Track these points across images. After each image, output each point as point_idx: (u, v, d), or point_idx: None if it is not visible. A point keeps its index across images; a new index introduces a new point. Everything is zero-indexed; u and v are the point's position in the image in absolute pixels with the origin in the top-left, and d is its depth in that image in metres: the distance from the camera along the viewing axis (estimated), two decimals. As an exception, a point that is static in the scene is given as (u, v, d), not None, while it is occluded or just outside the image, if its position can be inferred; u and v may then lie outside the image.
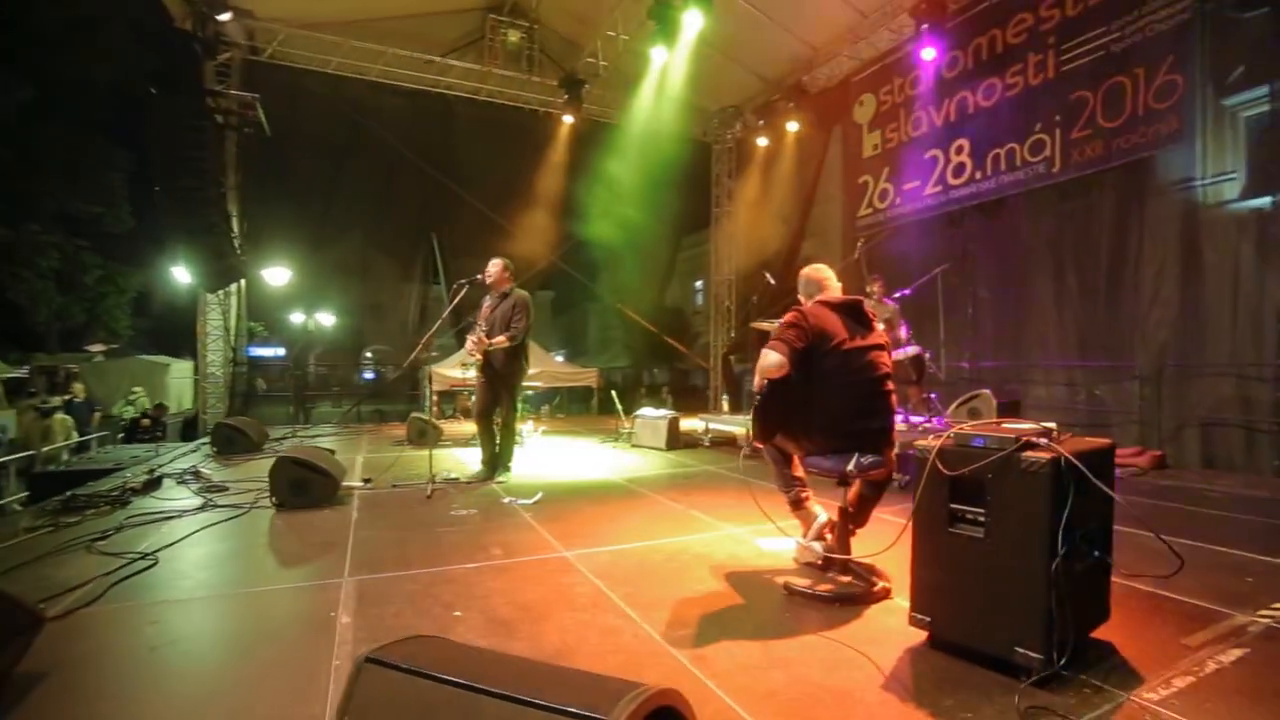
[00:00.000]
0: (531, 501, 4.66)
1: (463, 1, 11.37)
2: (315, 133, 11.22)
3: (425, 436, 7.88)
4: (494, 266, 5.64)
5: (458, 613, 2.64)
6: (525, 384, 8.80)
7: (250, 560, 3.45)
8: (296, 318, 19.11)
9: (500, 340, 5.37)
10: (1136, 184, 6.62)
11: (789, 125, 10.89)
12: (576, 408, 14.31)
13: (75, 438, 9.33)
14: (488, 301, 5.67)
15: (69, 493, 4.75)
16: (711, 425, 8.10)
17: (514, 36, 11.75)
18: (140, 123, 10.23)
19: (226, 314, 9.84)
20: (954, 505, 2.14)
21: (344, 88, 11.09)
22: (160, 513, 4.30)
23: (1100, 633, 2.26)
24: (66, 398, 10.79)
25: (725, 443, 7.83)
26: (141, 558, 3.35)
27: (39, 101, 14.62)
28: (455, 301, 5.58)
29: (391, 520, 4.20)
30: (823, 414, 2.79)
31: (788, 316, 2.85)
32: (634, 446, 7.86)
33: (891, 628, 2.41)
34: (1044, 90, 7.33)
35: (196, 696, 2.03)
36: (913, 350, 6.23)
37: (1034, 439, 2.04)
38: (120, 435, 10.27)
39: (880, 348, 2.90)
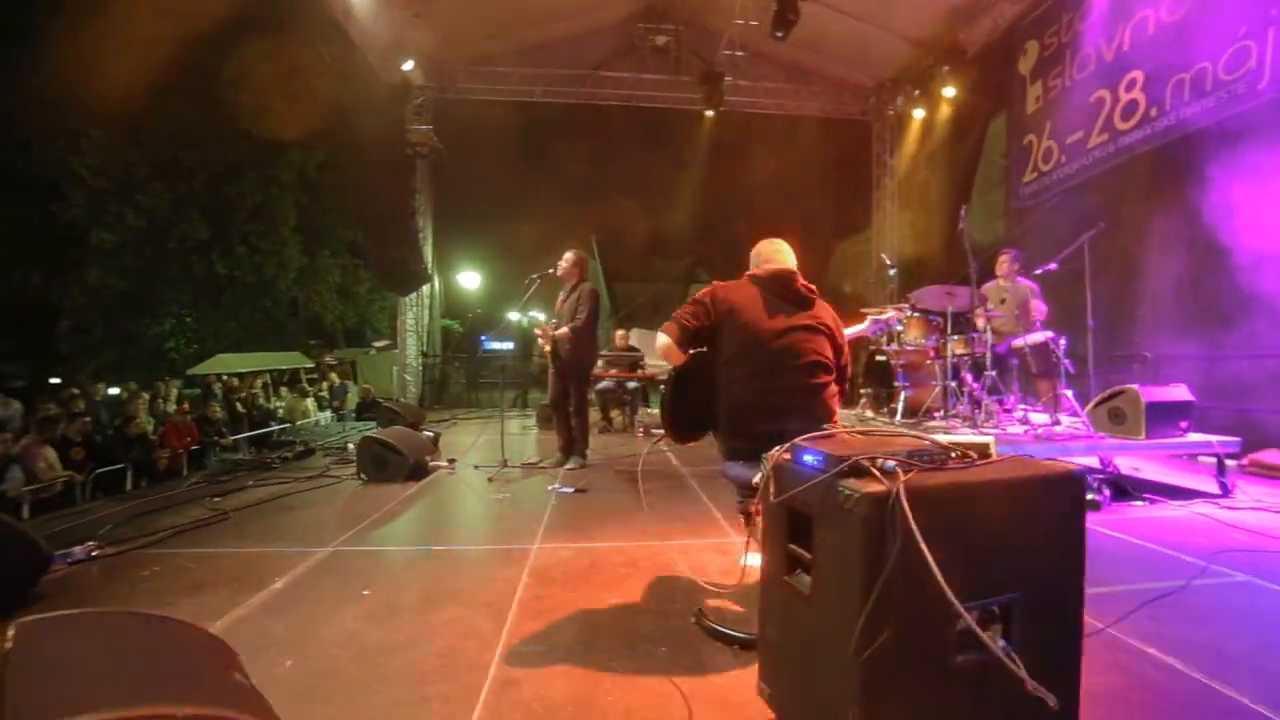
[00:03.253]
0: (570, 491, 4.49)
1: (612, 15, 11.53)
2: (492, 153, 12.26)
3: (550, 422, 8.17)
4: (565, 260, 5.54)
5: (366, 591, 2.59)
6: (646, 375, 8.67)
7: (280, 525, 3.77)
8: (513, 315, 21.39)
9: (564, 331, 5.27)
10: None
11: (945, 91, 9.20)
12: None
13: (315, 414, 11.40)
14: (560, 294, 5.60)
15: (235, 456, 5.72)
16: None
17: (661, 40, 11.61)
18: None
19: (420, 313, 11.23)
20: (791, 545, 1.49)
21: (514, 111, 11.94)
22: (281, 478, 4.97)
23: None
24: (325, 383, 13.23)
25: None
26: (220, 515, 3.86)
27: (326, 161, 17.75)
28: (529, 295, 5.60)
29: (435, 498, 4.35)
30: (728, 408, 2.20)
31: (699, 293, 2.30)
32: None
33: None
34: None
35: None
36: (1036, 337, 4.78)
37: (876, 459, 1.31)
38: (353, 414, 12.32)
39: (813, 330, 2.19)
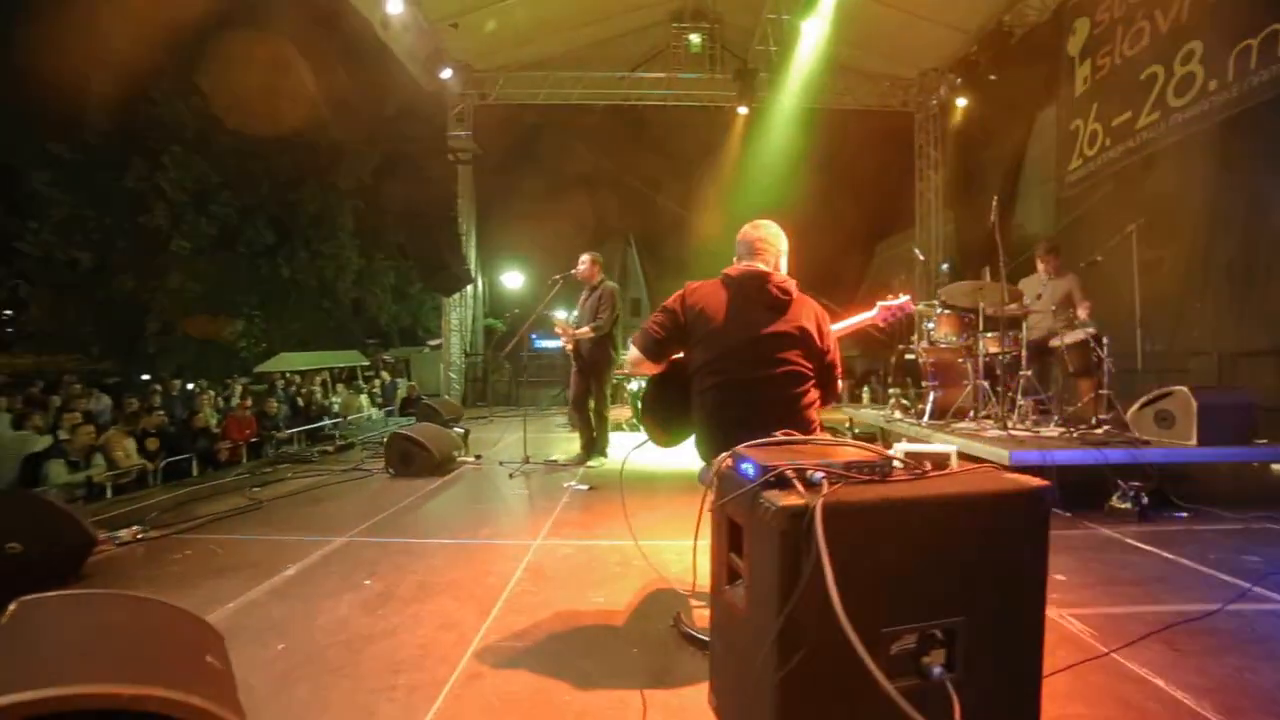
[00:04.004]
0: (585, 489, 4.51)
1: (648, 17, 11.48)
2: (532, 156, 12.47)
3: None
4: (583, 262, 5.56)
5: (367, 580, 2.67)
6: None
7: (306, 515, 3.92)
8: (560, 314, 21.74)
9: (585, 331, 5.29)
10: None
11: (990, 78, 8.72)
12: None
13: (367, 410, 11.86)
14: (582, 294, 5.62)
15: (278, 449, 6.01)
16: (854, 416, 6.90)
17: (696, 39, 11.49)
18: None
19: (463, 313, 11.52)
20: (731, 554, 1.44)
21: (551, 114, 12.07)
22: (318, 471, 5.19)
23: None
24: (377, 380, 13.74)
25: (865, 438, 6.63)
26: (255, 505, 4.07)
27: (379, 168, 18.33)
28: (551, 295, 5.64)
29: (455, 492, 4.45)
30: (699, 417, 2.12)
31: (671, 298, 2.22)
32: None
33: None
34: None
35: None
36: (1074, 335, 4.46)
37: (805, 470, 1.24)
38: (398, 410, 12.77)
39: (787, 335, 2.04)
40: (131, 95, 16.41)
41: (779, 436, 1.55)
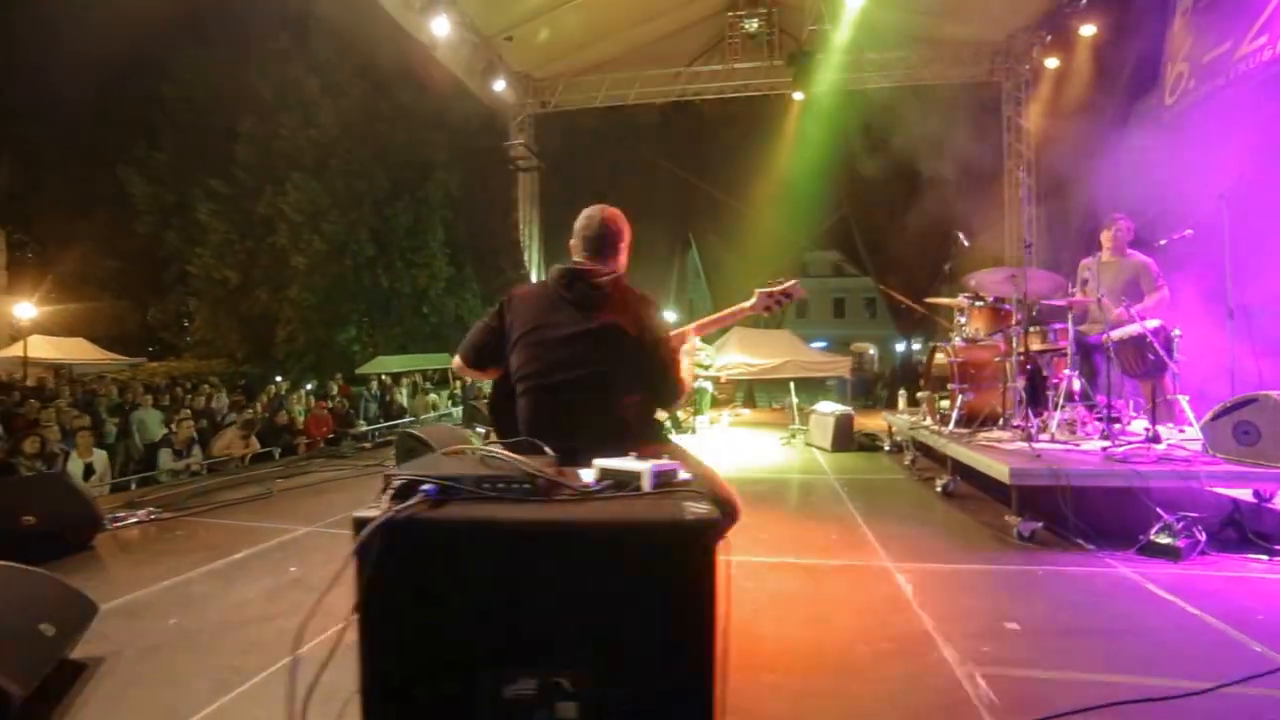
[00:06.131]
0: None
1: (703, 9, 11.09)
2: (593, 159, 12.44)
3: None
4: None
5: (293, 569, 2.77)
6: (711, 374, 8.18)
7: (301, 505, 4.08)
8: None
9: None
10: None
11: (1084, 30, 7.48)
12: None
13: (443, 409, 12.48)
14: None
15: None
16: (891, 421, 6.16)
17: (753, 25, 10.93)
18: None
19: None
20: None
21: (609, 117, 12.00)
22: (345, 465, 5.48)
23: None
24: (458, 382, 14.42)
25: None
26: (265, 494, 4.33)
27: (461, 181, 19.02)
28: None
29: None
30: (521, 423, 1.89)
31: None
32: (807, 445, 6.58)
33: None
34: None
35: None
36: (1128, 329, 3.59)
37: (422, 482, 1.15)
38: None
39: (596, 335, 1.79)
40: (266, 133, 18.54)
41: (480, 446, 1.32)
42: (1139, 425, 3.84)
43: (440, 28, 8.34)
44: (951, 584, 2.53)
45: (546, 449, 1.53)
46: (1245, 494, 3.57)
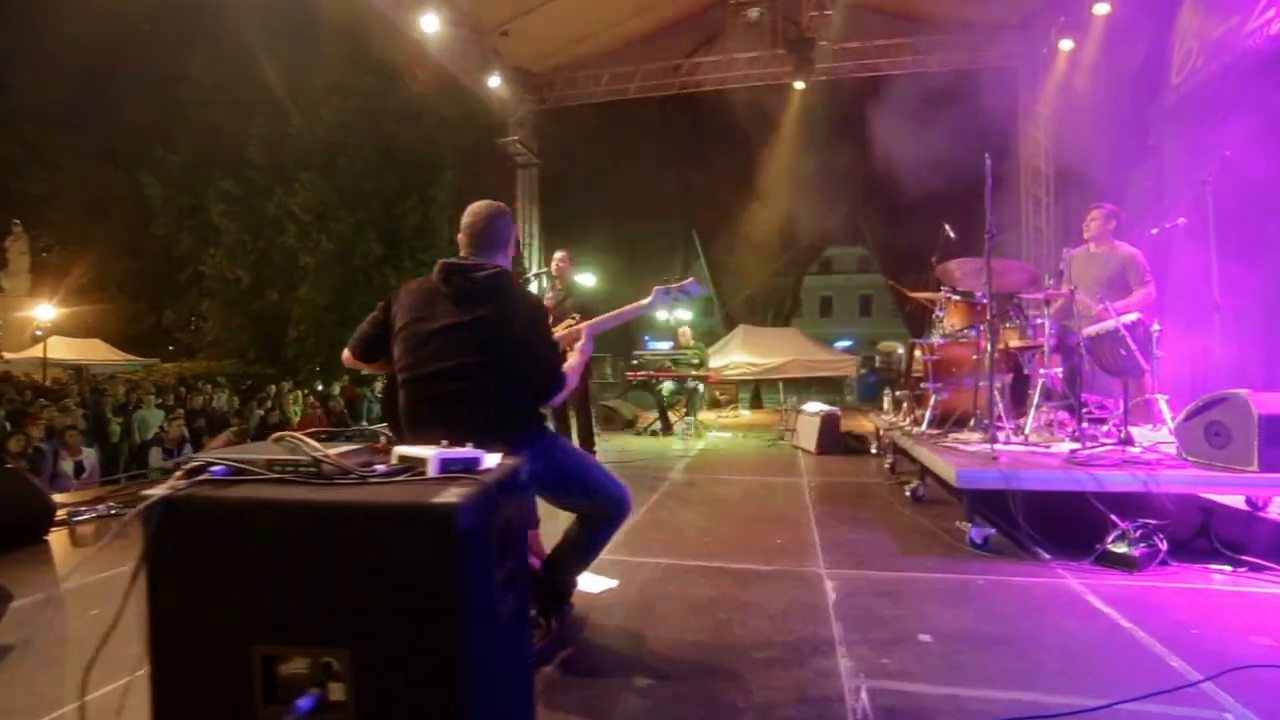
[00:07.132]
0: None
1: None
2: (593, 155, 12.45)
3: (611, 422, 8.22)
4: (558, 258, 5.41)
5: None
6: (702, 374, 8.09)
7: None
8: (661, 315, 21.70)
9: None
10: None
11: (1098, 8, 7.22)
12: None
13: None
14: (550, 294, 5.46)
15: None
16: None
17: (754, 14, 10.80)
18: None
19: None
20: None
21: (609, 111, 11.97)
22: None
23: None
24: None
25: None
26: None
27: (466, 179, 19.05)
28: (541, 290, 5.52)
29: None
30: (402, 419, 1.95)
31: None
32: (794, 447, 6.47)
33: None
34: None
35: None
36: (1103, 325, 3.43)
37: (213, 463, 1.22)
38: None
39: (467, 328, 1.83)
40: (277, 133, 18.94)
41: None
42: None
43: (430, 24, 8.41)
44: (880, 592, 2.44)
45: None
46: (1237, 500, 3.41)
